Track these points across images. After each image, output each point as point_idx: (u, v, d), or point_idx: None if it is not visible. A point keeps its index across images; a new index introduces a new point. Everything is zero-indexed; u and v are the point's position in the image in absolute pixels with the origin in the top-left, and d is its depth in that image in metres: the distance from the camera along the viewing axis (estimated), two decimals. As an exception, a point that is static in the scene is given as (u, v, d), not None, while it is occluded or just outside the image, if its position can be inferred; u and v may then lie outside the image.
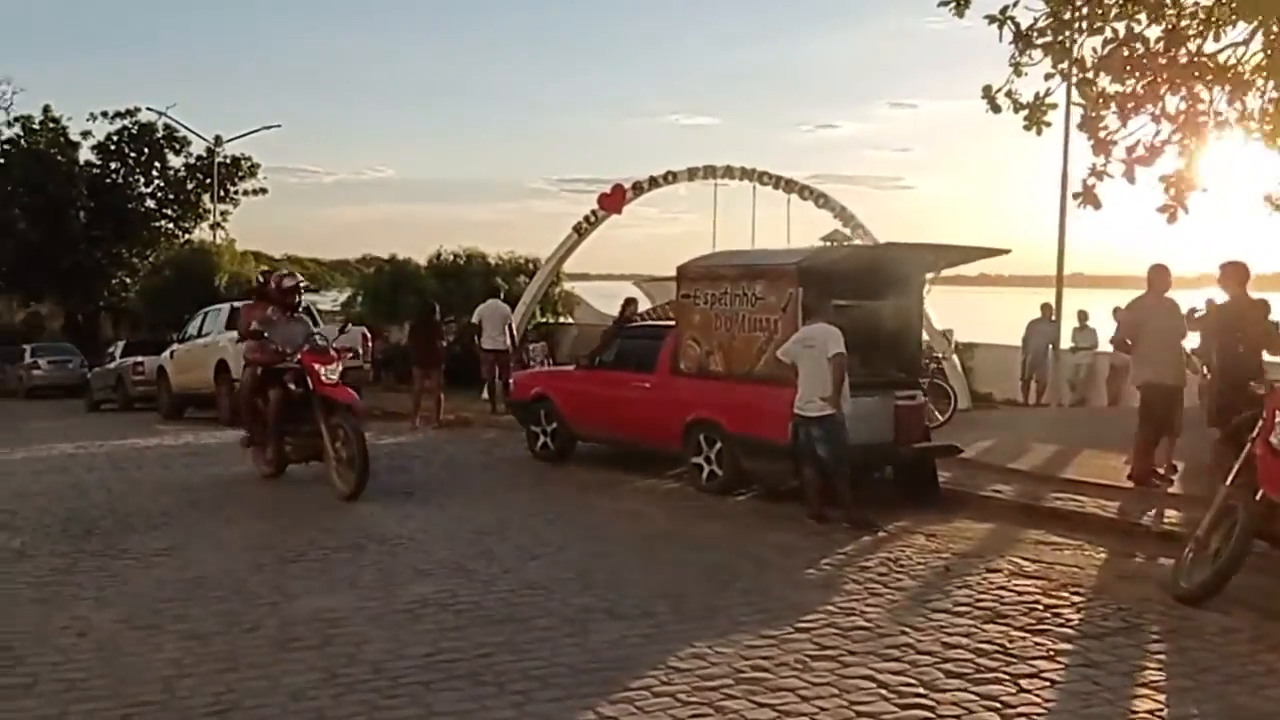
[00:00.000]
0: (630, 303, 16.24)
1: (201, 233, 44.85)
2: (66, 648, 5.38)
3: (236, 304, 20.67)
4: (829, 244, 10.08)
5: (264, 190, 46.36)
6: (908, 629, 5.74)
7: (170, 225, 43.48)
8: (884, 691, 4.84)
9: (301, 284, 11.15)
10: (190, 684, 4.87)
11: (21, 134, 39.14)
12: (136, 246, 40.74)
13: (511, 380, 12.98)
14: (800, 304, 9.24)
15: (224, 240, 30.61)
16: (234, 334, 17.68)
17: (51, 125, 39.62)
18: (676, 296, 10.73)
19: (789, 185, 19.53)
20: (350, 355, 18.05)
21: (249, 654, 5.29)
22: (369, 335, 18.43)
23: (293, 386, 9.85)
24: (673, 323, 11.22)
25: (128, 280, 40.09)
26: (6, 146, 39.05)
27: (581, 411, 11.52)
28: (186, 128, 41.51)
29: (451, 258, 30.13)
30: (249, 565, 7.06)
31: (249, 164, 45.69)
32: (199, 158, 44.34)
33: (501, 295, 18.99)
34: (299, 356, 9.86)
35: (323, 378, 9.62)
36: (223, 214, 44.61)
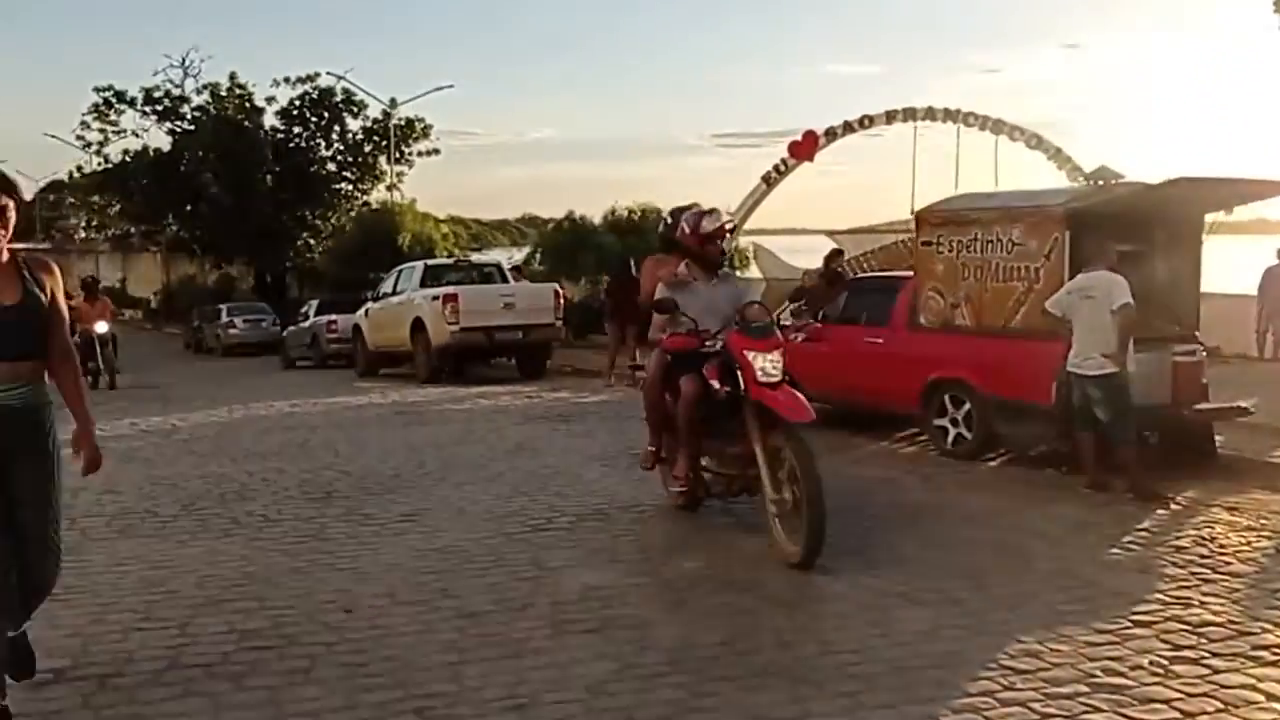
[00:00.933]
0: (836, 254, 15.43)
1: (378, 194, 45.82)
2: (337, 626, 5.06)
3: (430, 261, 20.80)
4: (1093, 183, 8.96)
5: (437, 151, 46.82)
6: (1269, 626, 4.93)
7: (349, 187, 44.48)
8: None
9: (727, 224, 7.43)
10: (476, 672, 4.47)
11: (210, 101, 40.47)
12: (319, 209, 41.77)
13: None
14: (1067, 250, 8.34)
15: (405, 201, 30.98)
16: (428, 292, 17.75)
17: (238, 92, 40.80)
18: (915, 244, 9.92)
19: (997, 126, 18.28)
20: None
21: (528, 637, 4.87)
22: (559, 292, 18.09)
23: (715, 384, 6.51)
24: (904, 273, 10.45)
25: (311, 241, 41.23)
26: (196, 113, 40.46)
27: (803, 370, 10.81)
28: (364, 90, 42.17)
29: (626, 213, 29.78)
30: (496, 534, 6.69)
31: (423, 125, 46.20)
32: (375, 120, 45.07)
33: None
34: (723, 338, 6.66)
35: (758, 374, 6.33)
36: (398, 175, 45.42)
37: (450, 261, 20.77)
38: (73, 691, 4.31)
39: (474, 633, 4.94)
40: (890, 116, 18.95)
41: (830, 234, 21.09)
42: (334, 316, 23.58)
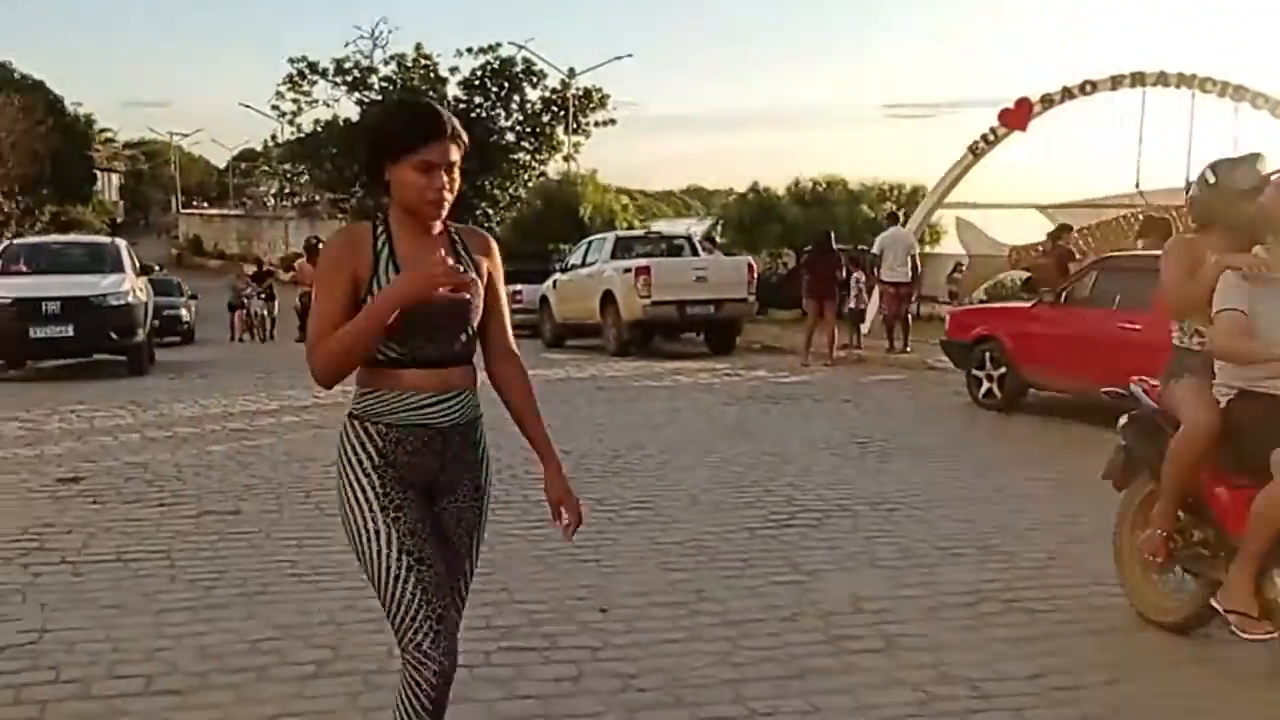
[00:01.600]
0: (1064, 230, 14.40)
1: (556, 164, 46.08)
2: (596, 628, 4.69)
3: (620, 233, 20.55)
4: None
5: (613, 121, 46.73)
6: None
7: (527, 157, 44.84)
8: None
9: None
10: (760, 693, 4.01)
11: (396, 71, 41.27)
12: (497, 178, 42.20)
13: (948, 317, 11.64)
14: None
15: (586, 172, 30.96)
16: (619, 264, 17.46)
17: (423, 62, 41.48)
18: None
19: (1238, 93, 16.78)
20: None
21: (807, 654, 4.39)
22: (753, 266, 17.55)
23: None
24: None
25: (490, 211, 41.71)
26: (384, 84, 41.31)
27: (1039, 356, 10.05)
28: (544, 60, 42.34)
29: (811, 185, 29.01)
30: (739, 527, 6.24)
31: (600, 95, 46.16)
32: (553, 90, 45.24)
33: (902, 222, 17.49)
34: None
35: None
36: (575, 146, 45.55)
37: (640, 233, 20.49)
38: (338, 687, 4.05)
39: (746, 646, 4.48)
40: (1116, 81, 17.59)
41: (1042, 208, 19.88)
42: (519, 287, 23.55)
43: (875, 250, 15.85)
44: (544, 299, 20.19)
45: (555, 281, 19.72)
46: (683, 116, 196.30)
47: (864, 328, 17.48)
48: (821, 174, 29.06)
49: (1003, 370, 10.39)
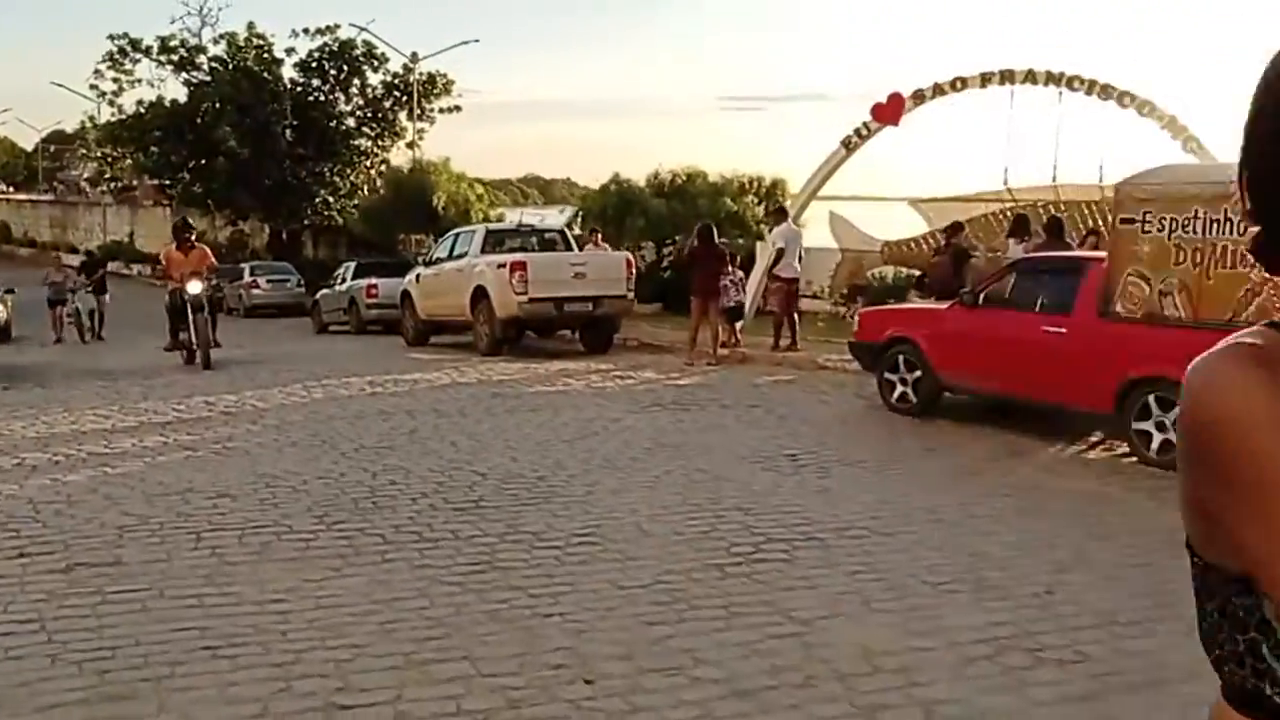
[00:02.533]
0: (957, 228, 14.24)
1: (399, 152, 44.58)
2: (586, 706, 3.98)
3: (491, 226, 19.62)
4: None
5: (458, 108, 45.66)
6: None
7: (369, 144, 43.27)
8: None
9: None
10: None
11: (227, 51, 39.02)
12: (337, 165, 40.51)
13: (857, 318, 11.25)
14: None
15: (438, 159, 29.70)
16: (492, 259, 16.58)
17: (256, 42, 39.36)
18: (1112, 219, 8.76)
19: (1105, 91, 17.04)
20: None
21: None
22: (632, 262, 16.93)
23: None
24: (1091, 253, 9.35)
25: (330, 199, 39.98)
26: (213, 64, 39.01)
27: (957, 359, 9.75)
28: (386, 43, 40.82)
29: (671, 177, 28.56)
30: (704, 564, 5.60)
31: (444, 81, 44.96)
32: (395, 75, 43.84)
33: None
34: None
35: None
36: (419, 133, 44.20)
37: (512, 226, 19.57)
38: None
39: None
40: (985, 79, 17.67)
41: (913, 203, 19.90)
42: (375, 280, 22.42)
43: (780, 245, 15.40)
44: (405, 294, 19.09)
45: (418, 276, 18.64)
46: (515, 104, 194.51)
47: (740, 324, 17.17)
48: (681, 165, 28.60)
49: (918, 374, 10.06)
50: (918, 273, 20.57)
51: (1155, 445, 8.10)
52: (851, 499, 6.98)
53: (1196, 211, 7.95)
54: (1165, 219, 8.15)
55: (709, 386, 12.13)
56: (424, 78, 43.79)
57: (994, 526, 6.41)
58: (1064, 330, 8.83)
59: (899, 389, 10.24)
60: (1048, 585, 5.34)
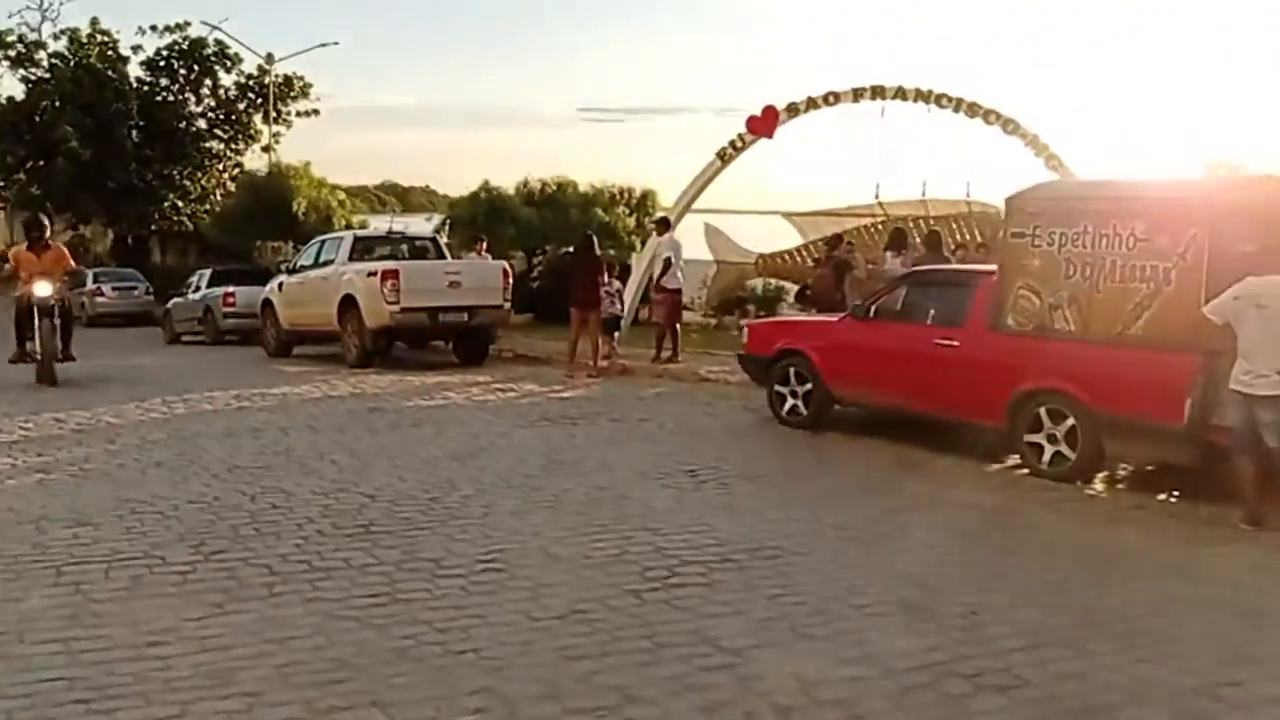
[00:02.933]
0: (839, 241, 14.33)
1: (253, 156, 43.19)
2: None
3: (359, 233, 18.93)
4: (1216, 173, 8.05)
5: (316, 112, 44.49)
6: None
7: (221, 147, 41.75)
8: None
9: None
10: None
11: (69, 48, 37.03)
12: (187, 168, 38.90)
13: (747, 330, 11.11)
14: (1206, 249, 7.38)
15: (299, 164, 28.61)
16: (362, 267, 15.96)
17: (100, 39, 37.48)
18: (1003, 235, 8.82)
19: (971, 109, 17.46)
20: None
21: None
22: (509, 271, 16.52)
23: None
24: (982, 266, 9.41)
25: (179, 204, 38.34)
26: (54, 61, 36.96)
27: (849, 371, 9.70)
28: (240, 43, 39.42)
29: (540, 186, 28.24)
30: (619, 590, 5.31)
31: (301, 83, 43.78)
32: (250, 76, 42.51)
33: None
34: None
35: None
36: (274, 136, 42.89)
37: (381, 233, 18.89)
38: None
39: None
40: (858, 94, 17.88)
41: (787, 216, 20.04)
42: (232, 289, 21.44)
43: (667, 255, 15.19)
44: (267, 304, 18.25)
45: (281, 284, 17.84)
46: (371, 109, 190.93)
47: (618, 335, 17.02)
48: (551, 175, 28.29)
49: (809, 387, 9.98)
50: (787, 284, 20.79)
51: (1047, 457, 8.17)
52: (758, 516, 6.80)
53: (1086, 226, 8.05)
54: (1055, 233, 8.23)
55: (594, 400, 11.85)
56: (280, 80, 42.51)
57: (905, 544, 6.30)
58: (955, 343, 8.86)
59: (790, 402, 10.15)
60: (972, 605, 5.23)
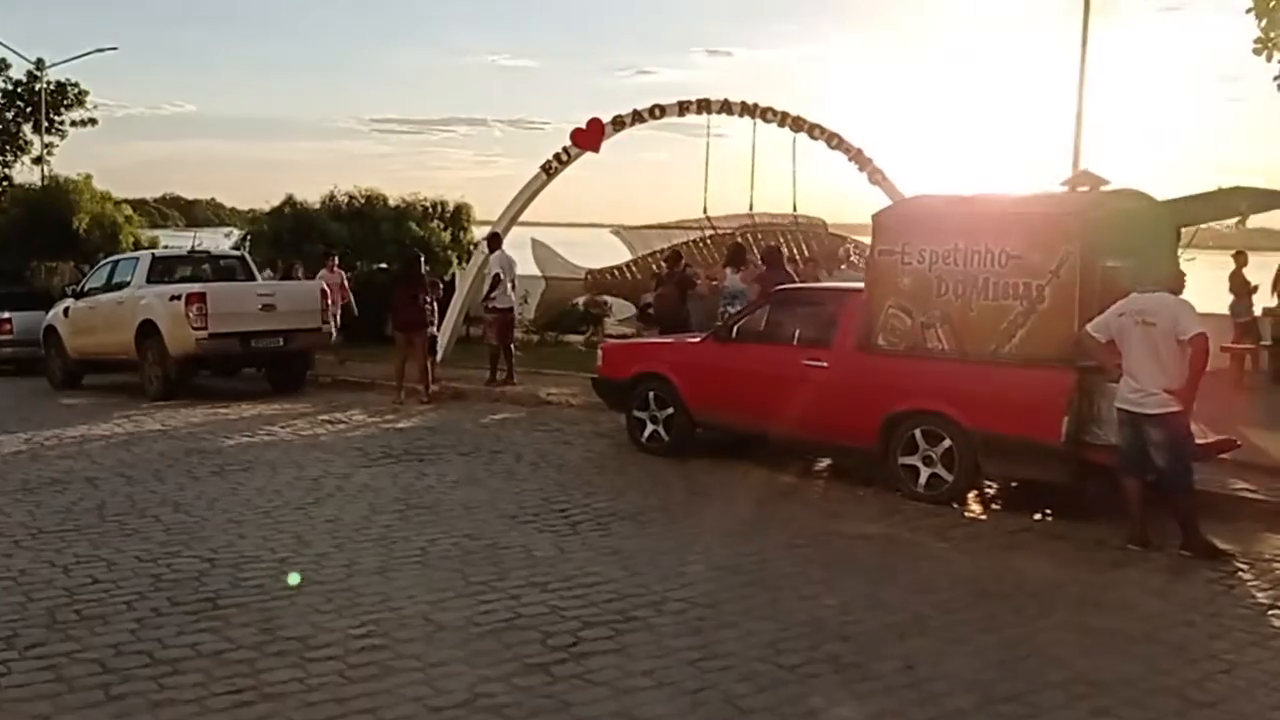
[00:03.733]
0: (678, 257, 13.96)
1: (23, 168, 40.08)
2: None
3: (158, 252, 17.40)
4: (1079, 189, 8.02)
5: (94, 121, 41.71)
6: None
7: (-14, 158, 38.48)
8: None
9: None
10: None
11: None
12: (-52, 182, 35.68)
13: (600, 353, 10.55)
14: (1079, 266, 7.34)
15: (79, 177, 26.28)
16: (162, 289, 14.63)
17: None
18: (871, 252, 8.59)
19: (797, 123, 17.50)
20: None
21: None
22: (326, 292, 15.47)
23: None
24: (847, 284, 9.18)
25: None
26: None
27: (713, 395, 9.31)
28: (8, 46, 36.46)
29: (347, 199, 27.00)
30: (522, 666, 4.69)
31: (76, 91, 40.98)
32: (19, 83, 39.52)
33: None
34: None
35: None
36: (47, 147, 39.92)
37: (182, 252, 17.39)
38: None
39: None
40: (684, 108, 17.68)
41: (616, 230, 19.60)
42: (6, 314, 19.42)
43: (495, 271, 14.46)
44: (51, 330, 16.54)
45: (67, 310, 16.20)
46: (146, 119, 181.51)
47: (438, 357, 16.28)
48: (359, 187, 27.08)
49: (670, 411, 9.55)
50: (603, 299, 20.41)
51: (923, 480, 7.98)
52: (650, 562, 6.28)
53: (957, 244, 7.91)
54: (926, 251, 8.07)
55: (435, 430, 11.09)
56: (52, 86, 39.62)
57: (809, 587, 5.91)
58: (824, 364, 8.59)
59: (650, 428, 9.70)
60: (904, 658, 4.86)
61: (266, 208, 25.31)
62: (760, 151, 18.02)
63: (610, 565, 6.20)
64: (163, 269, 15.47)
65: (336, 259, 18.59)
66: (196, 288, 14.35)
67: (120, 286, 15.40)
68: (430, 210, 27.27)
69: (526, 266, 19.51)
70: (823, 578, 6.07)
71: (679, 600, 5.59)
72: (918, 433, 8.01)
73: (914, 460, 8.04)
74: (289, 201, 25.60)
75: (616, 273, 18.63)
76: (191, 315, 13.85)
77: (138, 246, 27.23)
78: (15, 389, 16.33)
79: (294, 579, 5.80)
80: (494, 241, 15.14)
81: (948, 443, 7.86)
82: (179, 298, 14.03)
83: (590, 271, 18.81)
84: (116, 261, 16.32)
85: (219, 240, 28.51)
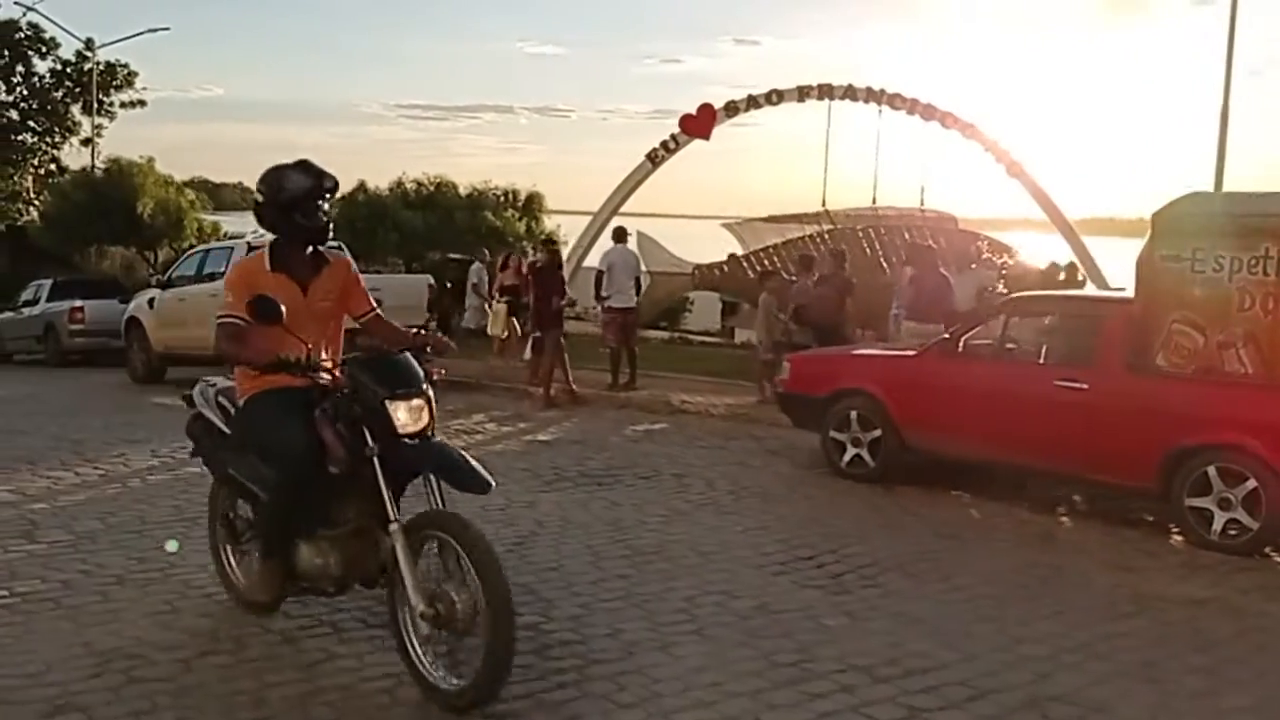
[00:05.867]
0: (840, 255, 12.81)
1: (71, 150, 39.48)
2: None
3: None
4: None
5: (142, 103, 41.04)
6: None
7: (35, 140, 37.84)
8: None
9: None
10: None
11: None
12: (-1, 164, 35.06)
13: (788, 364, 9.40)
14: None
15: (141, 160, 25.31)
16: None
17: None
18: (1148, 255, 7.38)
19: (928, 111, 16.33)
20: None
21: None
22: (433, 285, 14.43)
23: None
24: (1109, 292, 8.03)
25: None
26: None
27: (934, 417, 8.17)
28: (59, 25, 35.65)
29: (416, 187, 26.02)
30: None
31: (126, 72, 40.29)
32: (68, 63, 38.83)
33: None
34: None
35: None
36: (96, 129, 39.25)
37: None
38: None
39: None
40: (803, 93, 16.60)
41: (729, 225, 18.50)
42: (79, 302, 18.56)
43: (603, 267, 13.41)
44: (133, 322, 15.57)
45: (152, 300, 15.22)
46: (180, 103, 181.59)
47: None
48: (426, 175, 26.12)
49: (877, 433, 8.42)
50: (708, 294, 19.31)
51: (1218, 526, 6.82)
52: (965, 634, 5.13)
53: (1268, 249, 6.74)
54: (1225, 258, 6.89)
55: (584, 443, 10.02)
56: (102, 67, 38.91)
57: (1191, 678, 4.74)
58: (1083, 385, 7.42)
59: (851, 451, 8.57)
60: None
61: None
62: (807, 137, 16.90)
63: (922, 638, 5.06)
64: (260, 261, 14.44)
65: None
66: (303, 280, 13.31)
67: (213, 277, 14.39)
68: (503, 199, 26.27)
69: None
70: (1202, 664, 4.91)
71: (1054, 699, 4.44)
72: (1212, 470, 6.84)
73: (1207, 503, 6.87)
74: (361, 188, 24.65)
75: (726, 268, 17.50)
76: (298, 310, 12.82)
77: (201, 233, 26.35)
78: (97, 383, 15.40)
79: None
80: (619, 235, 13.98)
81: (1252, 483, 6.69)
82: (283, 291, 13.00)
83: (698, 266, 17.72)
84: (208, 250, 15.38)
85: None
